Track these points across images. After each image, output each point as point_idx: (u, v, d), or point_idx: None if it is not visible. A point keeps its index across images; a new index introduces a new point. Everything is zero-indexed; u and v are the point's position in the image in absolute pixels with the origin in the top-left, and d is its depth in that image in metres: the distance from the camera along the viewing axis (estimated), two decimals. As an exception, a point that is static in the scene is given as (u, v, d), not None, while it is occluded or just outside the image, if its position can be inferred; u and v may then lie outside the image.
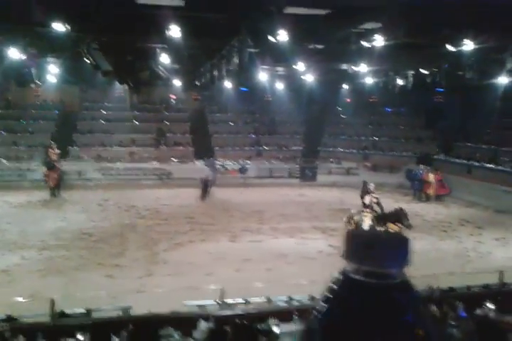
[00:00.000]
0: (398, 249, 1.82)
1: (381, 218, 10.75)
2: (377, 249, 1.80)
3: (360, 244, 1.85)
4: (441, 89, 20.11)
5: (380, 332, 1.73)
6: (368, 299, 1.76)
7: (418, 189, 19.79)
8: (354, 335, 1.74)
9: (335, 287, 1.85)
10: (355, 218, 10.95)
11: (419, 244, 11.68)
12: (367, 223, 10.71)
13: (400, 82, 18.30)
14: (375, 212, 10.97)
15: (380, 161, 23.91)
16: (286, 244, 11.68)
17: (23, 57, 14.64)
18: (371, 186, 11.64)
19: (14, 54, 14.11)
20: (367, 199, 11.17)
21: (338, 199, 18.76)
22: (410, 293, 1.85)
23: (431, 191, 19.36)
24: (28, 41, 13.57)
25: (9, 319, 5.85)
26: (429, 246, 11.70)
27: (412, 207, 17.22)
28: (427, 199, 19.30)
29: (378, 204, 11.19)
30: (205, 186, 19.01)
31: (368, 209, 10.93)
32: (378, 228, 10.45)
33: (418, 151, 23.91)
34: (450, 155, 22.61)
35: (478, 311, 5.83)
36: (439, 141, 24.49)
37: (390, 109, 27.09)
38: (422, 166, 20.47)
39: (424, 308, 4.93)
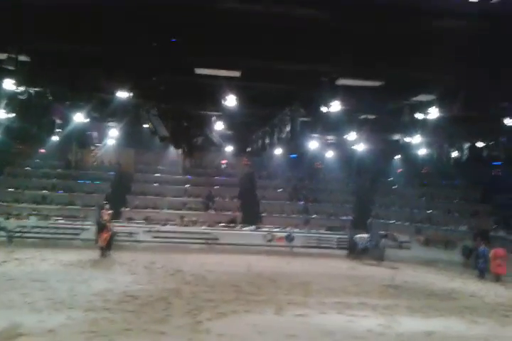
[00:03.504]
0: None
1: None
2: None
3: None
4: (499, 163, 19.53)
5: None
6: None
7: (483, 268, 17.94)
8: None
9: None
10: None
11: (477, 330, 10.76)
12: None
13: (454, 154, 17.95)
14: None
15: (434, 235, 22.86)
16: (334, 320, 10.99)
17: (86, 120, 15.54)
18: None
19: (78, 118, 15.01)
20: None
21: (389, 274, 17.86)
22: None
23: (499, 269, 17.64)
24: (92, 106, 14.44)
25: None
26: (489, 333, 10.69)
27: (469, 287, 16.14)
28: (497, 279, 17.27)
29: None
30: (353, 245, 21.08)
31: None
32: None
33: (474, 226, 22.77)
34: (510, 231, 21.39)
35: None
36: (496, 216, 23.35)
37: (444, 181, 26.39)
38: (482, 243, 19.11)
39: None
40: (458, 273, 18.81)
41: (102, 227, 18.60)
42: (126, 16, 8.38)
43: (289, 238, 23.15)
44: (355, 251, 21.31)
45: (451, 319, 11.57)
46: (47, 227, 21.80)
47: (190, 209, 25.44)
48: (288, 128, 14.46)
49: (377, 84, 11.83)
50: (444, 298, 14.15)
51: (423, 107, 13.12)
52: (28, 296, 11.51)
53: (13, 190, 24.88)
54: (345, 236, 23.55)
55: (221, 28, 8.81)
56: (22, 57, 10.10)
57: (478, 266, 18.30)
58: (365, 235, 21.08)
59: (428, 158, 20.41)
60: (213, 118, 16.12)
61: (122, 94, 12.23)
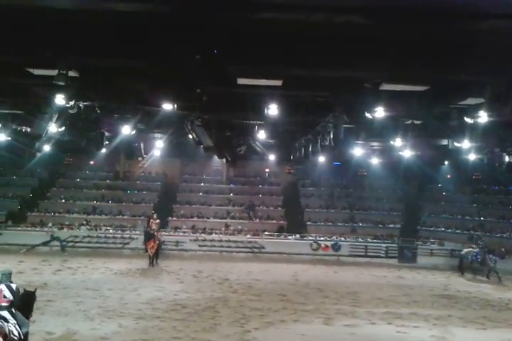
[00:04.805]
0: None
1: None
2: None
3: None
4: (555, 167, 18.57)
5: None
6: None
7: None
8: None
9: None
10: None
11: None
12: None
13: (507, 159, 17.21)
14: None
15: (488, 244, 21.93)
16: (384, 331, 10.73)
17: (133, 132, 15.94)
18: None
19: (126, 130, 15.42)
20: None
21: (440, 284, 17.34)
22: None
23: None
24: (139, 118, 14.79)
25: None
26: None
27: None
28: None
29: None
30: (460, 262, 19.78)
31: None
32: None
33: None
34: None
35: None
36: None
37: (496, 187, 25.37)
38: None
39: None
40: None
41: (149, 236, 18.94)
42: (168, 30, 8.55)
43: (336, 247, 22.84)
44: (462, 266, 19.94)
45: (509, 331, 11.06)
46: (97, 237, 22.48)
47: (234, 218, 25.59)
48: (331, 136, 14.30)
49: (422, 88, 11.54)
50: (501, 309, 13.56)
51: (472, 111, 12.66)
52: (81, 304, 11.91)
53: (64, 201, 25.79)
54: (394, 245, 23.05)
55: (261, 37, 8.82)
56: (71, 73, 10.48)
57: None
58: (472, 249, 19.72)
59: (479, 164, 19.68)
60: (256, 127, 16.17)
61: (167, 106, 12.47)
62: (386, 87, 11.38)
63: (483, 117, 12.36)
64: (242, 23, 8.06)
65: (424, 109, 13.64)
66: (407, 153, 19.43)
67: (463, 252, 19.95)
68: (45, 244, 21.70)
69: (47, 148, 20.10)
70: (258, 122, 15.63)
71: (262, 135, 16.45)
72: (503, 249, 19.14)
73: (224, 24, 8.22)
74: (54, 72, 10.16)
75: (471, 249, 19.72)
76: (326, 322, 11.19)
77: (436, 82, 11.10)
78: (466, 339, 10.21)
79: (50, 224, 23.23)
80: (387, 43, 8.76)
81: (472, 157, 19.04)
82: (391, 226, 25.36)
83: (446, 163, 24.10)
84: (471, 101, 12.43)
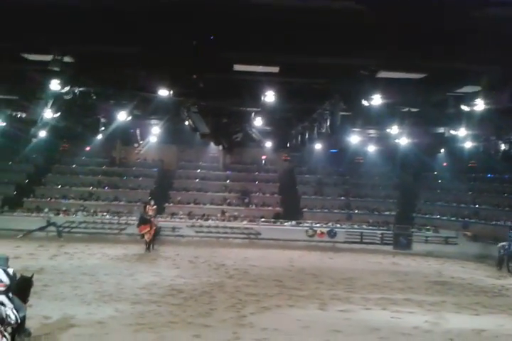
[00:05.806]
0: None
1: None
2: None
3: None
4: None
5: None
6: None
7: None
8: None
9: None
10: None
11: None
12: None
13: (503, 147, 17.26)
14: None
15: (482, 231, 22.08)
16: (379, 316, 10.85)
17: (129, 118, 15.88)
18: None
19: (122, 116, 15.36)
20: None
21: (435, 270, 17.49)
22: None
23: None
24: (135, 105, 14.73)
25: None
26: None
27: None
28: None
29: None
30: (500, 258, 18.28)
31: None
32: None
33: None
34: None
35: None
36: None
37: (492, 175, 25.48)
38: None
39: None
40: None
41: (143, 221, 18.95)
42: (165, 15, 8.48)
43: (332, 233, 23.01)
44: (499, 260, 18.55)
45: (502, 317, 11.20)
46: (94, 222, 22.58)
47: (230, 204, 25.69)
48: (328, 123, 14.30)
49: (419, 76, 11.51)
50: (494, 295, 13.71)
51: (468, 99, 12.67)
52: (77, 289, 11.97)
53: (60, 187, 25.79)
54: (389, 232, 23.23)
55: (258, 23, 8.77)
56: (66, 58, 10.39)
57: None
58: (505, 243, 18.39)
59: (475, 152, 19.74)
60: (252, 114, 16.14)
61: (163, 93, 12.41)
62: (383, 74, 11.36)
63: (479, 105, 12.39)
64: (239, 8, 8.01)
65: (421, 97, 13.64)
66: (404, 141, 19.47)
67: (499, 245, 18.69)
68: (41, 229, 21.76)
69: (42, 133, 20.06)
70: (255, 109, 15.60)
71: (258, 122, 16.43)
72: None
73: (221, 10, 8.16)
74: (49, 58, 10.07)
75: (503, 243, 18.52)
76: (321, 308, 11.31)
77: (434, 69, 11.08)
78: (459, 325, 10.31)
79: (46, 210, 23.29)
80: (384, 30, 8.72)
81: (468, 145, 19.10)
82: (386, 213, 25.50)
83: (442, 150, 24.16)
84: (467, 89, 12.44)
